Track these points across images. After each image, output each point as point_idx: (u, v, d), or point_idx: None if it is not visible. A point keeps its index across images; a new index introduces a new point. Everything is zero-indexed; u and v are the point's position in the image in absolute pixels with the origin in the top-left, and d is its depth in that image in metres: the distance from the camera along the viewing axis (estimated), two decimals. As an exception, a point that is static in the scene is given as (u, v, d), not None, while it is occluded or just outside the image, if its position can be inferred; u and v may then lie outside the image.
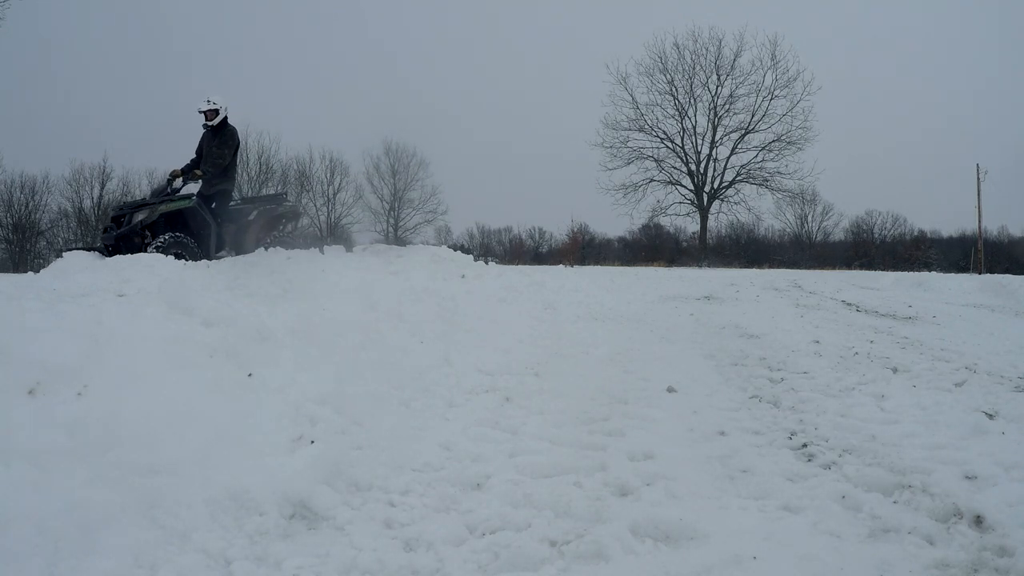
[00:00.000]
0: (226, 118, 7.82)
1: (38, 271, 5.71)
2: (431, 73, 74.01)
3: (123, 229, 7.41)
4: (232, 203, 8.39)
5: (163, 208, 7.40)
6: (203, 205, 7.63)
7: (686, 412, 3.83)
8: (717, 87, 38.46)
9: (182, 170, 7.83)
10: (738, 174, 38.42)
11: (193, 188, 7.60)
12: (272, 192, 8.12)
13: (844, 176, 63.73)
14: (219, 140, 7.71)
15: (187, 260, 6.66)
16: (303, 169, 42.36)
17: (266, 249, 7.05)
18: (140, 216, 7.38)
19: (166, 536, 2.14)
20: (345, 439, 3.03)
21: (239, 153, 8.36)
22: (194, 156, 7.99)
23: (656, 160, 38.68)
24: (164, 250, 6.93)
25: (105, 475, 2.24)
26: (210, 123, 7.72)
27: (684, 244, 44.45)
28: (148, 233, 7.38)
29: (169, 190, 7.62)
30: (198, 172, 7.51)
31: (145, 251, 6.79)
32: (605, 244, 48.82)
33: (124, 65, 61.58)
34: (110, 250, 7.19)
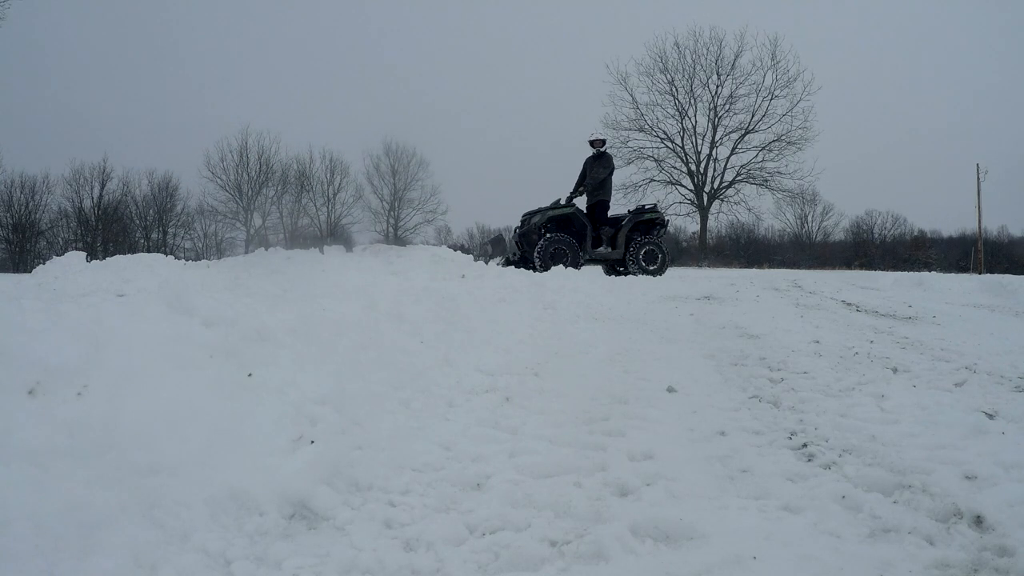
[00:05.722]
0: (607, 149, 10.85)
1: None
2: (431, 73, 74.04)
3: (523, 228, 10.44)
4: (611, 215, 11.35)
5: (551, 213, 10.21)
6: (581, 212, 10.45)
7: (686, 412, 3.83)
8: (717, 87, 38.47)
9: (573, 192, 10.86)
10: (738, 174, 38.39)
11: (578, 201, 10.82)
12: (650, 204, 11.73)
13: (844, 176, 63.96)
14: (599, 163, 10.44)
15: (567, 255, 9.82)
16: (303, 169, 42.40)
17: (634, 247, 10.53)
18: (535, 219, 10.25)
19: (166, 536, 2.14)
20: (345, 439, 3.03)
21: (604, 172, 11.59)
22: (580, 175, 10.88)
23: (656, 160, 38.65)
24: (548, 242, 9.81)
25: (105, 475, 2.24)
26: (598, 150, 10.58)
27: (684, 244, 44.46)
28: (544, 232, 10.10)
29: (563, 202, 10.31)
30: (581, 190, 10.56)
31: (537, 245, 9.87)
32: (605, 244, 48.82)
33: (124, 65, 61.63)
34: (519, 246, 10.48)
